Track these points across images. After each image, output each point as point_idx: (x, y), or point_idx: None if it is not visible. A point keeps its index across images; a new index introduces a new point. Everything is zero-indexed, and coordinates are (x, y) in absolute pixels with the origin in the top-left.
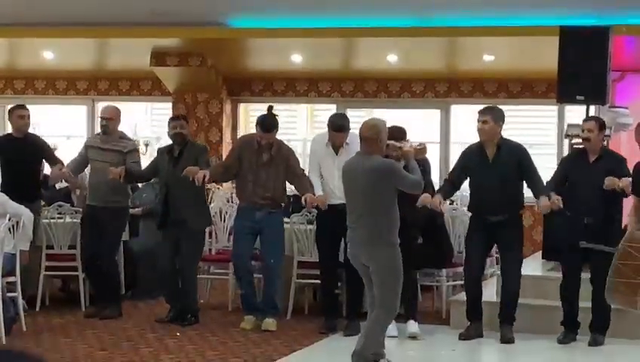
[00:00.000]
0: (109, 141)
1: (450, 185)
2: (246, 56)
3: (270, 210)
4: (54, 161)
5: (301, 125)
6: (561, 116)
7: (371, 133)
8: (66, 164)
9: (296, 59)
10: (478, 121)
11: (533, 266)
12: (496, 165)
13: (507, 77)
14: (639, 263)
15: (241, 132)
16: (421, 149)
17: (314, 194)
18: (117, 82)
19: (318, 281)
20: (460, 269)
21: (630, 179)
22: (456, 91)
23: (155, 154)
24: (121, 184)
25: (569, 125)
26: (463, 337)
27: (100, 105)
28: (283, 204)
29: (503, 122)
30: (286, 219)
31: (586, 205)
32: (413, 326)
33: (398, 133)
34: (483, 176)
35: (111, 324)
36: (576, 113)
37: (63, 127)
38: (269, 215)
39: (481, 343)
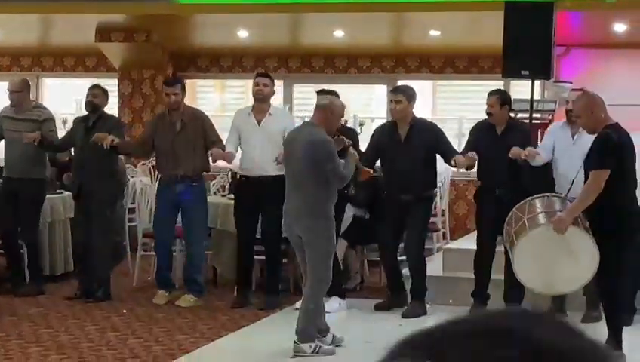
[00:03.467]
0: (22, 111)
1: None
2: (192, 32)
3: (191, 182)
4: None
5: (249, 101)
6: (506, 91)
7: (323, 103)
8: None
9: (243, 34)
10: (391, 100)
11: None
12: (408, 145)
13: (453, 52)
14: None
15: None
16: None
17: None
18: (62, 58)
19: (263, 258)
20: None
21: (534, 148)
22: (402, 67)
23: None
24: (38, 155)
25: (515, 100)
26: (378, 308)
27: (46, 82)
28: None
29: (415, 101)
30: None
31: (495, 176)
32: (333, 302)
33: (353, 135)
34: (394, 155)
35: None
36: (522, 88)
37: (6, 104)
38: (190, 188)
39: (428, 319)
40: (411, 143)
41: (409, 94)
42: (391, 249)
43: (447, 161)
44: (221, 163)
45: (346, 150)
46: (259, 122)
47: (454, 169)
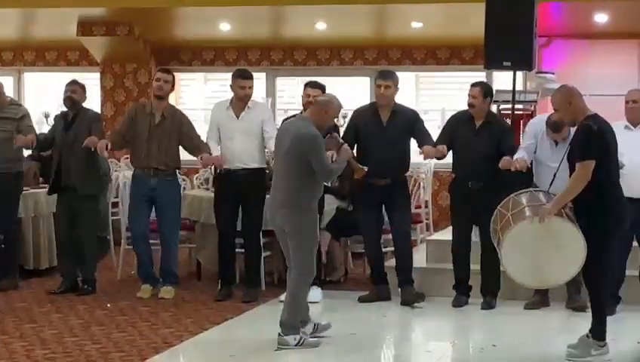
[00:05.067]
0: None
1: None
2: (174, 25)
3: (165, 176)
4: None
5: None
6: (489, 82)
7: (321, 99)
8: None
9: (225, 27)
10: (380, 85)
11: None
12: (389, 130)
13: (435, 44)
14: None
15: (170, 101)
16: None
17: (210, 155)
18: (43, 52)
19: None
20: (390, 236)
21: (523, 157)
22: (385, 59)
23: None
24: (14, 149)
25: (497, 91)
26: (362, 300)
27: (27, 76)
28: (179, 171)
29: (398, 89)
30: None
31: (470, 169)
32: (316, 292)
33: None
34: (375, 140)
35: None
36: (504, 79)
37: None
38: (164, 182)
39: (413, 309)
40: (392, 129)
41: (396, 80)
42: (374, 236)
43: (419, 147)
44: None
45: (340, 148)
46: (238, 116)
47: (438, 161)
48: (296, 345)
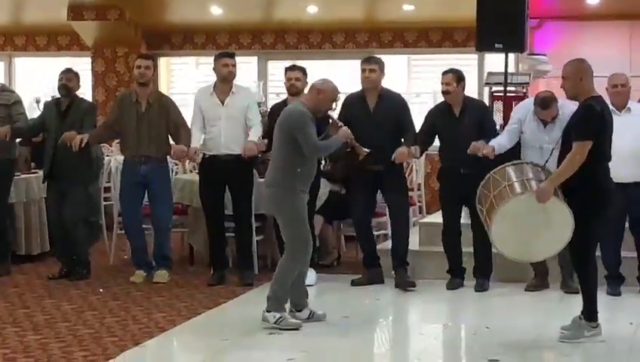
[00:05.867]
0: None
1: None
2: (165, 9)
3: (156, 163)
4: None
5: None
6: (481, 64)
7: (316, 82)
8: None
9: (216, 11)
10: (364, 69)
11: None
12: (377, 115)
13: (427, 26)
14: (488, 199)
15: (162, 86)
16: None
17: (188, 146)
18: (34, 37)
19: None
20: (384, 219)
21: (491, 143)
22: (376, 41)
23: None
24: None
25: (489, 73)
26: (355, 283)
27: (18, 61)
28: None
29: (384, 74)
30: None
31: (459, 156)
32: (310, 274)
33: None
34: (364, 125)
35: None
36: (496, 61)
37: None
38: (155, 168)
39: (406, 292)
40: (380, 114)
41: (382, 65)
42: (365, 220)
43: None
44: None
45: (339, 129)
46: (222, 102)
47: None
48: (274, 323)
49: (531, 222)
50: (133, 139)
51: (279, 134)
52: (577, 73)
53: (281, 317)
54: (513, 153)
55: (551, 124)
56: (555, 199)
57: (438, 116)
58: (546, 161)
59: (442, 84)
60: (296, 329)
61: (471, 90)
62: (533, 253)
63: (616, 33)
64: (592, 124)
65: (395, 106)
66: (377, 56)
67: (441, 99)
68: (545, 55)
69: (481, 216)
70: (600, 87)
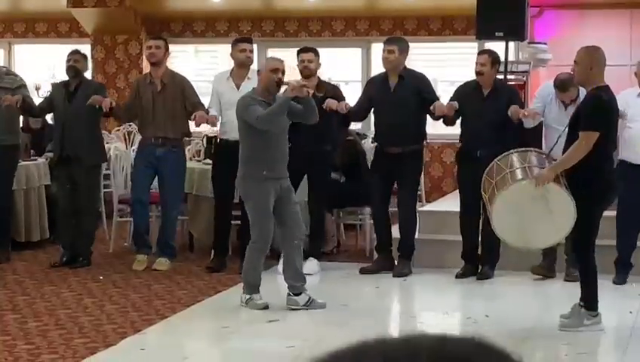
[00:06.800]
0: None
1: (357, 109)
2: None
3: (171, 147)
4: None
5: (223, 66)
6: None
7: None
8: None
9: None
10: (384, 50)
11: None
12: (397, 95)
13: (427, 14)
14: (490, 185)
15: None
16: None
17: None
18: (34, 24)
19: (239, 222)
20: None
21: (532, 108)
22: (376, 29)
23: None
24: (10, 122)
25: None
26: (363, 271)
27: (17, 48)
28: (188, 138)
29: (407, 54)
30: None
31: (478, 137)
32: (309, 264)
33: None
34: (384, 105)
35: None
36: (496, 50)
37: None
38: (170, 153)
39: (407, 280)
40: (400, 94)
41: (402, 45)
42: (380, 202)
43: (427, 108)
44: (197, 128)
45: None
46: (238, 86)
47: (431, 133)
48: (243, 303)
49: (532, 210)
50: (150, 118)
51: (239, 125)
52: (589, 61)
53: (249, 298)
54: (535, 134)
55: (571, 107)
56: (558, 187)
57: (466, 94)
58: (550, 150)
59: (477, 63)
60: (263, 309)
61: (470, 78)
62: (532, 240)
63: (617, 21)
64: (601, 116)
65: (416, 83)
66: (400, 36)
67: (441, 87)
68: (545, 43)
69: (487, 204)
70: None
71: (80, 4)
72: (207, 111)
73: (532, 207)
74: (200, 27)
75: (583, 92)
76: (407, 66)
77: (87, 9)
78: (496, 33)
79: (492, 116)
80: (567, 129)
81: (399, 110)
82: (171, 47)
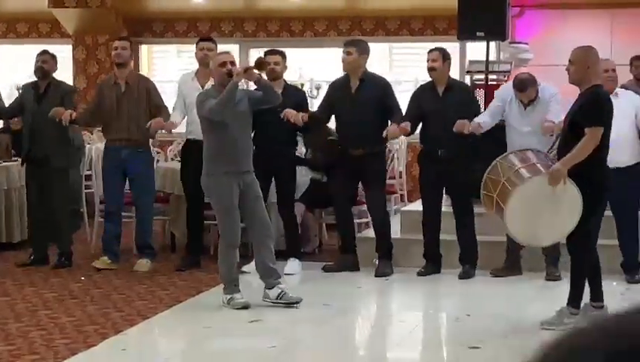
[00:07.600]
0: None
1: (319, 113)
2: None
3: (137, 148)
4: None
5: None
6: (462, 53)
7: None
8: None
9: None
10: (343, 52)
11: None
12: (358, 98)
13: (409, 14)
14: (498, 184)
15: (143, 74)
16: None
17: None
18: (14, 25)
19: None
20: (365, 207)
21: (478, 119)
22: (358, 30)
23: None
24: None
25: (470, 62)
26: (326, 269)
27: None
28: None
29: (368, 55)
30: None
31: (438, 137)
32: (290, 264)
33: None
34: (345, 108)
35: None
36: (477, 49)
37: None
38: (135, 153)
39: (389, 280)
40: (361, 97)
41: (361, 47)
42: (343, 201)
43: (387, 115)
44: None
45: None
46: (202, 86)
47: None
48: (223, 304)
49: (542, 206)
50: (114, 121)
51: (200, 123)
52: (586, 60)
53: (231, 298)
54: (498, 136)
55: (530, 107)
56: (571, 185)
57: (422, 95)
58: (549, 149)
59: (428, 61)
60: (245, 307)
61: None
62: (540, 237)
63: (598, 21)
64: (602, 110)
65: (377, 88)
66: (359, 38)
67: None
68: (526, 43)
69: (486, 203)
70: None
71: (61, 4)
72: (168, 115)
73: (543, 203)
74: (182, 27)
75: (543, 92)
76: (395, 67)
77: (69, 9)
78: (478, 33)
79: (450, 115)
80: (530, 129)
81: (360, 113)
82: (153, 47)
